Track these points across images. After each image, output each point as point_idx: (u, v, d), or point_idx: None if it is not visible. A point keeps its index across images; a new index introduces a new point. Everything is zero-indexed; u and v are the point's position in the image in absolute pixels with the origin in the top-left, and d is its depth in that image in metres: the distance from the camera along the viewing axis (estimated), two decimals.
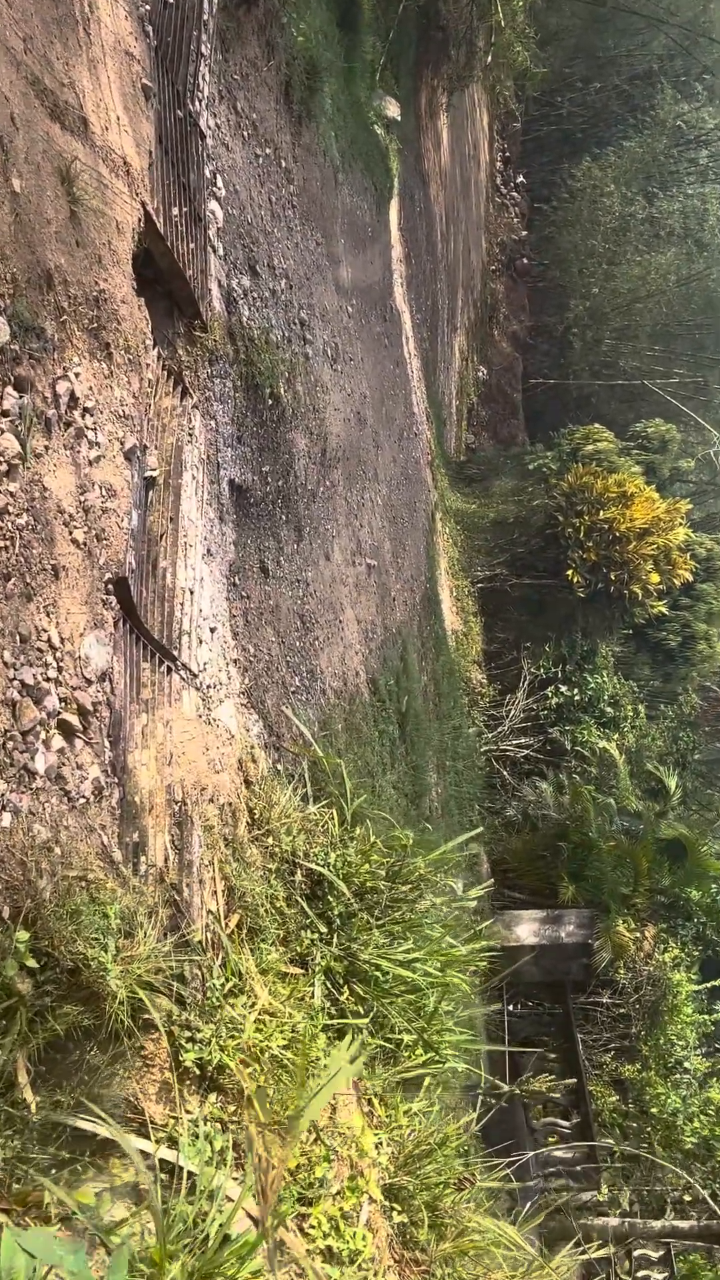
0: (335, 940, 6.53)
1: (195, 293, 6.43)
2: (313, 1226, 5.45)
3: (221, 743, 6.21)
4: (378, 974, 6.69)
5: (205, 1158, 4.92)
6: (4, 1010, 4.22)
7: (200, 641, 6.09)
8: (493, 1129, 12.18)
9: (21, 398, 4.29)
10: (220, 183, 7.29)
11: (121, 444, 5.22)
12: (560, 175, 37.08)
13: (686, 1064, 21.61)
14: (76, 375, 4.87)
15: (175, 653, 5.75)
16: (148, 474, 5.59)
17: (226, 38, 7.59)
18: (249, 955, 5.90)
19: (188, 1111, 5.07)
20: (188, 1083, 5.20)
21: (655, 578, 22.20)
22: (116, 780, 4.95)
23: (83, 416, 4.90)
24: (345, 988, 6.57)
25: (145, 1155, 4.82)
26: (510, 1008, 21.41)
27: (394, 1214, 6.25)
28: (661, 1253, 17.07)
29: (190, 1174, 4.83)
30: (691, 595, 25.15)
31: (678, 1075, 21.41)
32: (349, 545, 11.50)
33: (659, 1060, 21.23)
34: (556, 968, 20.79)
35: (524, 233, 39.93)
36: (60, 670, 4.54)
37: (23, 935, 4.16)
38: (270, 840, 6.42)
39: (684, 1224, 15.34)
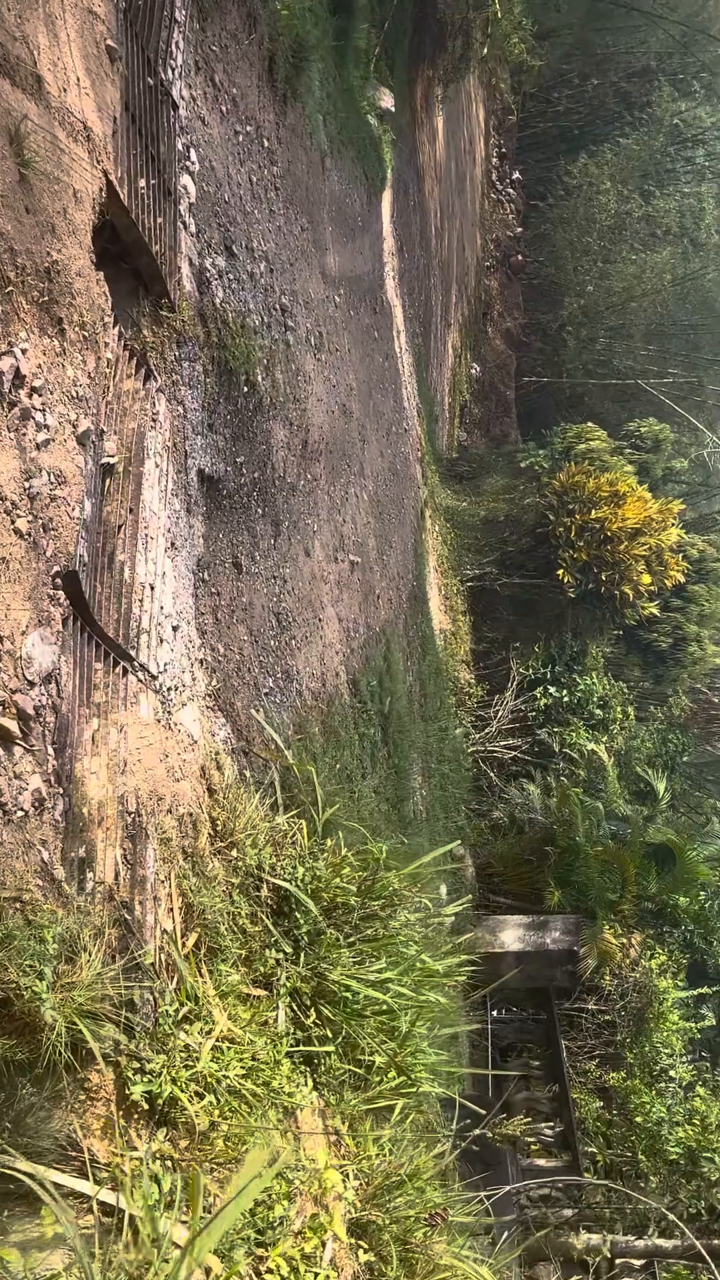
0: (302, 960, 6.16)
1: (163, 270, 6.06)
2: (270, 1270, 5.09)
3: (183, 749, 5.84)
4: (347, 995, 6.32)
5: (152, 1200, 4.55)
6: None
7: (161, 641, 5.71)
8: (472, 1155, 11.82)
9: None
10: (195, 157, 6.91)
11: (74, 427, 4.84)
12: (556, 172, 36.74)
13: (672, 1072, 21.32)
14: (23, 352, 4.49)
15: (132, 652, 5.38)
16: (104, 460, 5.21)
17: (204, 6, 7.21)
18: (207, 978, 5.53)
19: (134, 1149, 4.70)
20: (135, 1117, 4.84)
21: (647, 579, 21.87)
22: (61, 791, 4.57)
23: (29, 396, 4.52)
24: (313, 1010, 6.21)
25: (84, 1198, 4.46)
26: (494, 1013, 21.10)
27: (360, 1252, 5.89)
28: (644, 1261, 16.77)
29: (134, 1218, 4.47)
30: (683, 597, 24.83)
31: (663, 1083, 21.13)
32: (331, 541, 11.12)
33: (644, 1068, 20.93)
34: (541, 974, 20.46)
35: (519, 229, 39.58)
36: None
37: None
38: (234, 853, 6.04)
39: (667, 1244, 15.02)
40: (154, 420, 5.80)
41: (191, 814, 5.80)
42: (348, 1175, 6.13)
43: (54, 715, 4.55)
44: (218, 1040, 5.39)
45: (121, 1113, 4.76)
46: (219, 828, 6.01)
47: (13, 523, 4.32)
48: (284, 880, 6.09)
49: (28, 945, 4.07)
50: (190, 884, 5.55)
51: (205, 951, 5.65)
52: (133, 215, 5.68)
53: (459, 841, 12.39)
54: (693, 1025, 22.62)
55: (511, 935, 20.21)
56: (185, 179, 6.66)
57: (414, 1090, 7.01)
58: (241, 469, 7.74)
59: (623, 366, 35.35)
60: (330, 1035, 6.31)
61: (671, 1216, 14.91)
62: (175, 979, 5.31)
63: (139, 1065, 4.86)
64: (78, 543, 4.79)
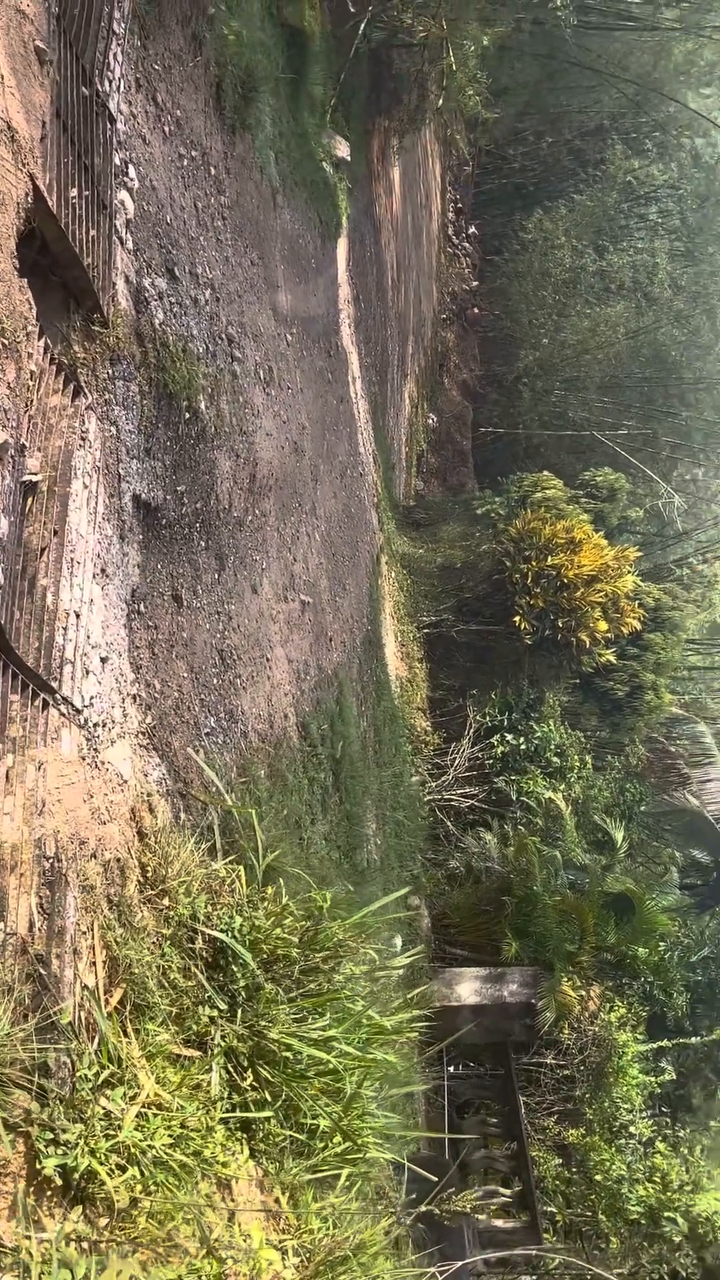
0: (239, 1017, 5.74)
1: (95, 284, 5.77)
2: None
3: (110, 789, 5.44)
4: (288, 1054, 5.90)
5: None
6: None
7: (87, 672, 5.34)
8: (427, 1218, 11.28)
9: None
10: (134, 174, 6.66)
11: None
12: (512, 227, 37.21)
13: (632, 1128, 20.87)
14: None
15: (54, 684, 5.00)
16: (26, 478, 4.87)
17: (146, 22, 7.01)
18: (132, 1037, 5.10)
19: (43, 1230, 4.24)
20: (47, 1194, 4.38)
21: (603, 625, 21.75)
22: None
23: None
24: (250, 1071, 5.77)
25: None
26: (451, 1069, 20.56)
27: None
28: None
29: None
30: (639, 645, 24.75)
31: (623, 1140, 20.66)
32: (281, 579, 10.80)
33: (604, 1124, 20.46)
34: (499, 1028, 19.98)
35: (475, 283, 40.04)
36: None
37: None
38: (166, 901, 5.63)
39: None
40: (83, 439, 5.48)
41: (119, 859, 5.39)
42: (286, 1252, 5.67)
43: None
44: (143, 1106, 4.95)
45: (32, 1189, 4.31)
46: (149, 874, 5.60)
47: None
48: (219, 931, 5.68)
49: None
50: (115, 935, 5.14)
51: (131, 1009, 5.22)
52: (62, 224, 5.40)
53: (408, 889, 11.96)
54: (653, 1079, 22.22)
55: (468, 988, 19.73)
56: (123, 194, 6.40)
57: (361, 1156, 6.57)
58: (183, 498, 7.42)
59: (578, 418, 35.62)
60: (269, 1098, 5.87)
61: None
62: (96, 1039, 4.87)
63: (52, 1136, 4.41)
64: None
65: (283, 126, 12.83)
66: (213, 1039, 5.63)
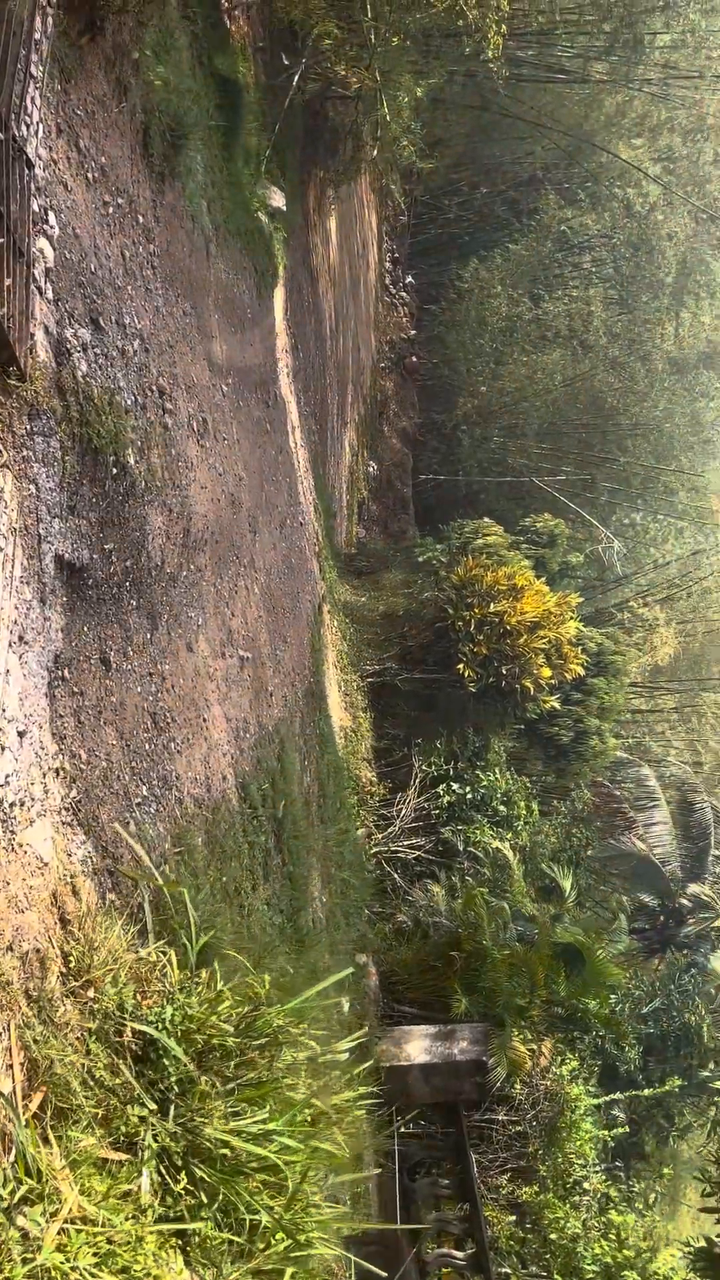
0: (171, 1114, 5.34)
1: (11, 335, 5.47)
2: None
3: (29, 873, 5.06)
4: (225, 1151, 5.50)
5: None
6: None
7: (2, 749, 4.97)
8: None
9: None
10: (54, 221, 6.40)
11: None
12: (448, 276, 37.59)
13: (586, 1184, 20.48)
14: None
15: None
16: None
17: (66, 66, 6.79)
18: (54, 1145, 4.69)
19: None
20: None
21: (547, 672, 21.65)
22: None
23: None
24: (184, 1172, 5.36)
25: None
26: (401, 1129, 20.02)
27: None
28: None
29: None
30: (583, 690, 24.71)
31: (577, 1196, 20.26)
32: (218, 636, 10.48)
33: (557, 1180, 20.03)
34: (449, 1087, 19.52)
35: (413, 332, 40.31)
36: None
37: None
38: (91, 993, 5.24)
39: None
40: None
41: (39, 949, 5.00)
42: None
43: None
44: (65, 1222, 4.54)
45: None
46: (72, 964, 5.21)
47: None
48: (148, 1025, 5.30)
49: None
50: (35, 1034, 4.74)
51: (53, 1113, 4.82)
52: None
53: (350, 971, 11.54)
54: (606, 1133, 21.88)
55: (417, 1047, 19.27)
56: (42, 242, 6.13)
57: (305, 1255, 6.15)
58: (111, 556, 7.10)
59: (517, 464, 35.84)
60: (205, 1200, 5.47)
61: None
62: (13, 1152, 4.47)
63: None
64: None
65: (215, 175, 12.69)
66: (143, 1140, 5.23)
